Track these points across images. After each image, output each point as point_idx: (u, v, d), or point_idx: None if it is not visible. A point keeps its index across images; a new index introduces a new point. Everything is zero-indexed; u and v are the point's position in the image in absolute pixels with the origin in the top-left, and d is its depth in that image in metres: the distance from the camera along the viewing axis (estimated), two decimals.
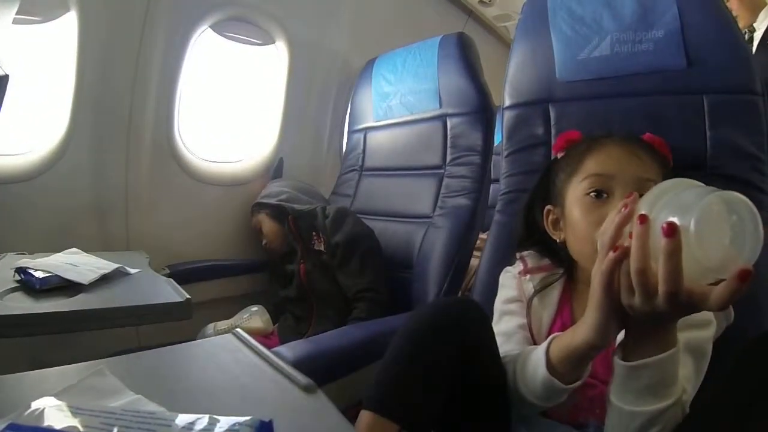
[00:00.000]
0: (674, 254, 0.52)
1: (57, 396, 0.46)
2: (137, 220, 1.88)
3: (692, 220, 0.52)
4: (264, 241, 1.98)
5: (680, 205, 0.55)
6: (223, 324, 1.72)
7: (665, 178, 0.82)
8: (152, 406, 0.47)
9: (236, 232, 2.14)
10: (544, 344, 0.75)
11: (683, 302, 0.55)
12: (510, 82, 1.32)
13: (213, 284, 1.92)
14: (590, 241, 0.80)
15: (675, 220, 0.53)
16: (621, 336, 0.70)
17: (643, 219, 0.57)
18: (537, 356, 0.75)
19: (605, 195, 0.84)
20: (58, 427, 0.40)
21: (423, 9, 2.82)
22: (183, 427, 0.39)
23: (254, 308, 1.77)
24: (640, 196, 0.78)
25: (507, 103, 1.33)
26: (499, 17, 3.26)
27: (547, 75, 1.25)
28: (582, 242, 0.86)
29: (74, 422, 0.41)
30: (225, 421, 0.40)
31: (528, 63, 1.29)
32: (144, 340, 1.77)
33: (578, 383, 0.73)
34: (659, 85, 1.09)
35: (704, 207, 0.53)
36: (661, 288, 0.55)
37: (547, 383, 0.73)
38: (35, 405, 0.44)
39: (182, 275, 1.53)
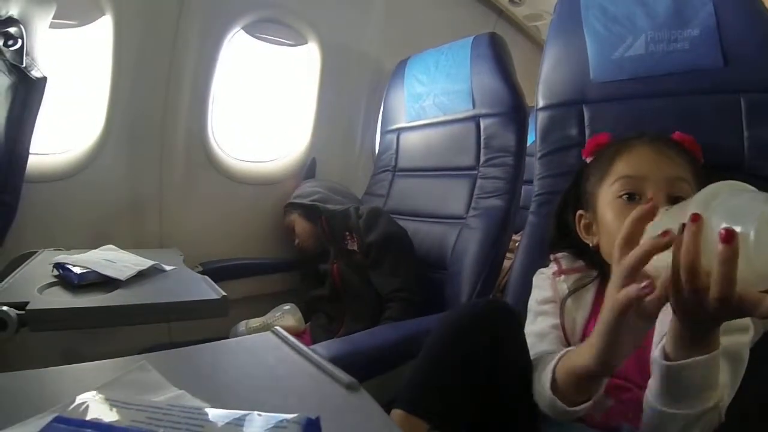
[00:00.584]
0: (730, 261, 0.50)
1: (100, 390, 0.46)
2: (171, 218, 1.92)
3: (752, 229, 0.50)
4: (296, 241, 1.99)
5: (734, 209, 0.53)
6: (255, 322, 1.74)
7: (697, 176, 0.83)
8: (196, 402, 0.47)
9: (268, 231, 2.16)
10: (554, 361, 0.76)
11: (733, 307, 0.53)
12: (543, 82, 1.32)
13: (245, 282, 1.95)
14: None
15: (730, 225, 0.51)
16: (658, 336, 0.71)
17: (696, 217, 0.55)
18: (546, 373, 0.76)
19: (637, 197, 0.84)
20: (104, 420, 0.40)
21: (453, 9, 2.83)
22: (230, 423, 0.39)
23: (287, 306, 1.79)
24: (672, 197, 0.80)
25: (541, 104, 1.32)
26: (530, 16, 3.23)
27: (580, 75, 1.24)
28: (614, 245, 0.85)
29: (120, 416, 0.41)
30: (272, 418, 0.39)
31: (561, 63, 1.29)
32: (175, 337, 1.79)
33: (587, 405, 0.73)
34: (695, 85, 1.07)
35: (764, 215, 0.51)
36: (714, 291, 0.53)
37: (551, 403, 0.74)
38: (80, 398, 0.44)
39: (215, 273, 1.54)
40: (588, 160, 1.01)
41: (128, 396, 0.45)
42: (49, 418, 0.40)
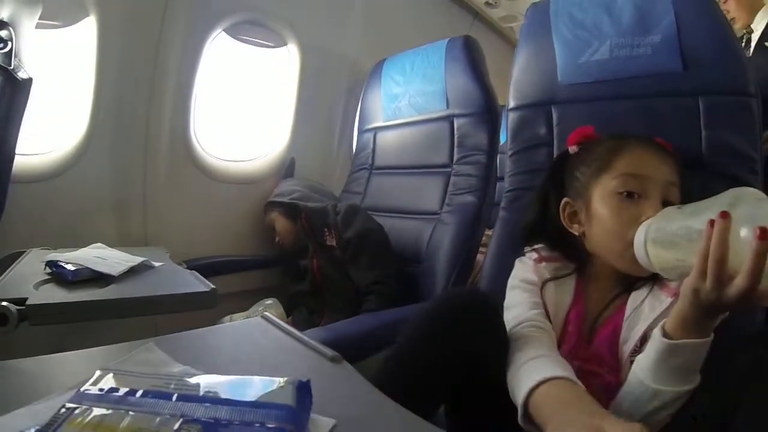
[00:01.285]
0: (763, 255, 0.57)
1: (116, 365, 0.51)
2: (154, 217, 1.93)
3: None
4: (276, 239, 2.03)
5: (757, 215, 0.61)
6: (238, 316, 1.76)
7: (680, 180, 0.88)
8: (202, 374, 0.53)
9: (249, 228, 2.18)
10: (534, 381, 0.70)
11: (750, 297, 0.60)
12: (514, 84, 1.37)
13: (228, 279, 1.96)
14: (620, 238, 0.84)
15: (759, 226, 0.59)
16: (627, 322, 0.78)
17: (725, 215, 0.61)
18: (522, 387, 0.72)
19: (636, 196, 0.86)
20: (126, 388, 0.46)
21: (429, 11, 2.87)
22: (237, 384, 0.45)
23: (268, 301, 1.83)
24: (666, 201, 0.84)
25: (511, 104, 1.37)
26: (505, 18, 3.29)
27: (549, 78, 1.29)
28: (610, 239, 0.88)
29: (140, 384, 0.46)
30: (270, 381, 0.46)
31: (531, 66, 1.33)
32: (161, 332, 1.80)
33: None
34: (657, 88, 1.12)
35: None
36: (742, 282, 0.59)
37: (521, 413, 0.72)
38: (99, 373, 0.48)
39: (198, 270, 1.55)
40: (571, 149, 1.02)
41: (141, 370, 0.51)
42: (72, 393, 0.45)
